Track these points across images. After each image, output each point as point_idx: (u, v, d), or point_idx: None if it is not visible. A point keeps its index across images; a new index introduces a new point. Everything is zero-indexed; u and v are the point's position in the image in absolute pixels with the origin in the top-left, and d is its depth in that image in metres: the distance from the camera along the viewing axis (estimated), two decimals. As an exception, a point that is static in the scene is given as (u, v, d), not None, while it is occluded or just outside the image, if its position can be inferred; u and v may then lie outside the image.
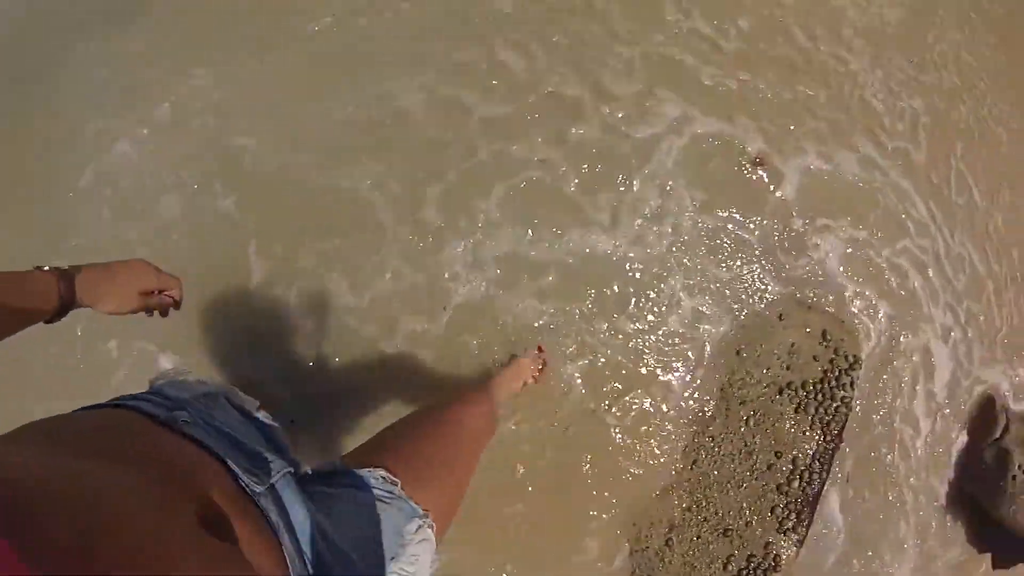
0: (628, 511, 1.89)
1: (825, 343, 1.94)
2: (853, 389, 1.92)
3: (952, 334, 2.08)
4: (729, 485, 1.90)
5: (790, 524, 1.89)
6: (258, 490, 0.66)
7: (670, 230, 1.94)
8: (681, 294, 1.92)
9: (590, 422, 1.87)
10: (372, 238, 1.92)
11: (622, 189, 1.96)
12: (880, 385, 2.00)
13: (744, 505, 1.89)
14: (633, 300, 1.91)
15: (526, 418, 1.87)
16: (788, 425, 1.90)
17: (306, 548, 0.68)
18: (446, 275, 1.89)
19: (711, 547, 1.90)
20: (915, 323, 2.04)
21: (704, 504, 1.90)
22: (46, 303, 0.74)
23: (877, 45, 2.20)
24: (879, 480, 2.02)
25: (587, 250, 1.91)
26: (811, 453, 1.90)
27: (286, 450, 0.81)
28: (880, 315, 2.00)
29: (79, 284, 0.77)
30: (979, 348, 2.11)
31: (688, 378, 1.90)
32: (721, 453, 1.90)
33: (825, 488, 1.93)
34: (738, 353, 1.92)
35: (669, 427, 1.90)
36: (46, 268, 0.76)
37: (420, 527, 0.83)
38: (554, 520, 1.87)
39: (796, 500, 1.89)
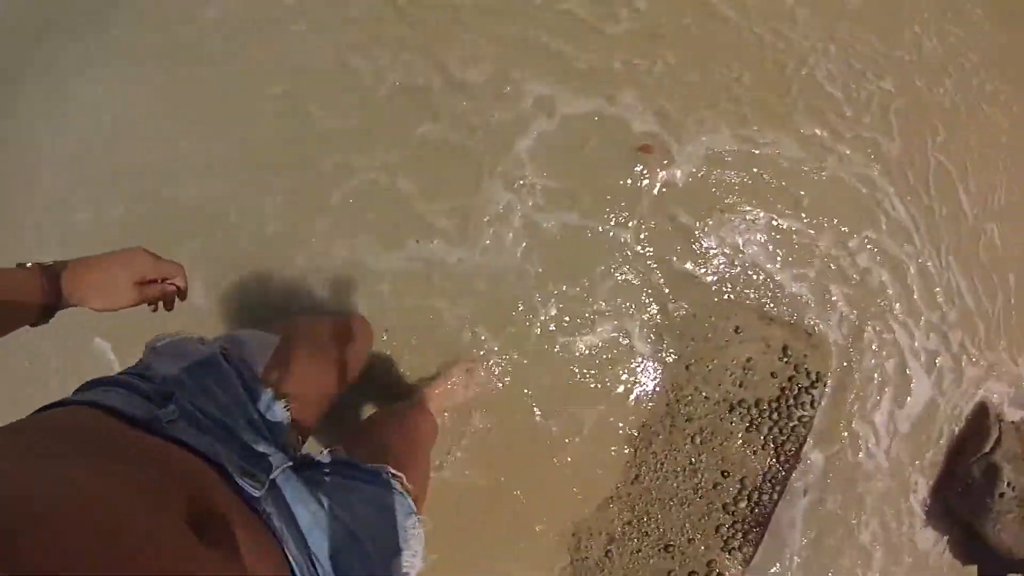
0: (567, 521, 1.86)
1: (785, 359, 1.78)
2: (813, 408, 1.77)
3: (937, 361, 1.87)
4: (672, 502, 1.82)
5: (736, 544, 1.81)
6: (257, 495, 0.63)
7: (531, 233, 1.79)
8: (553, 309, 1.79)
9: (521, 430, 1.81)
10: (224, 246, 1.88)
11: (473, 189, 1.80)
12: (846, 397, 1.84)
13: (687, 523, 1.82)
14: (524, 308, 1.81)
15: (459, 426, 1.83)
16: (738, 444, 1.78)
17: (315, 548, 0.67)
18: (287, 282, 1.84)
19: (652, 561, 1.85)
20: (886, 326, 1.84)
21: (645, 519, 1.84)
22: (28, 303, 0.67)
23: (833, 16, 1.87)
24: (845, 496, 1.89)
25: (425, 259, 1.80)
26: (762, 473, 1.79)
27: (283, 432, 0.78)
28: (842, 320, 1.81)
29: (65, 280, 0.70)
30: (969, 372, 1.89)
31: (630, 392, 1.80)
32: (664, 469, 1.81)
33: (779, 507, 1.82)
34: (687, 368, 1.79)
35: (608, 441, 1.82)
36: (28, 264, 0.69)
37: (415, 523, 0.84)
38: (491, 528, 1.86)
39: (743, 520, 1.80)
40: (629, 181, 1.81)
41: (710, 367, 1.79)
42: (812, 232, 1.82)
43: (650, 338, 1.79)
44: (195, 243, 1.88)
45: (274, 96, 1.91)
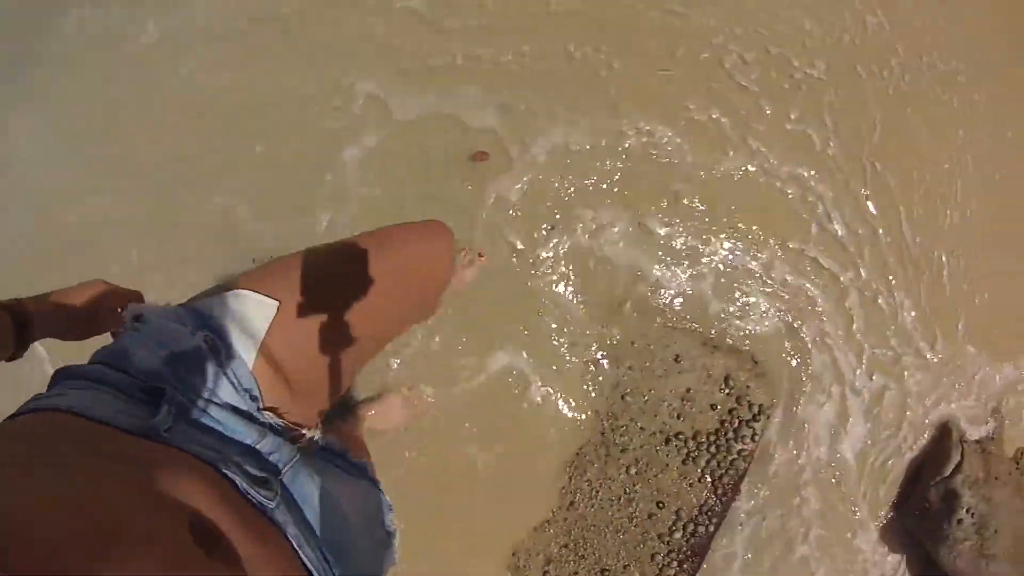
0: (507, 541, 1.85)
1: (727, 390, 1.69)
2: (754, 441, 1.69)
3: (886, 395, 1.76)
4: (607, 529, 1.79)
5: (671, 572, 1.78)
6: (271, 506, 0.59)
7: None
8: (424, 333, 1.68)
9: (456, 454, 1.78)
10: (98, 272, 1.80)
11: (304, 207, 1.68)
12: (790, 422, 1.75)
13: (623, 550, 1.79)
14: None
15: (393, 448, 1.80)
16: (673, 476, 1.72)
17: (324, 542, 0.65)
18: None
19: (588, 584, 1.84)
20: (822, 336, 1.72)
21: (582, 543, 1.82)
22: (3, 339, 0.67)
23: None
24: (788, 522, 1.84)
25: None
26: (698, 506, 1.73)
27: (280, 426, 0.73)
28: (777, 340, 1.70)
29: (35, 314, 0.70)
30: (918, 395, 1.77)
31: (562, 420, 1.74)
32: (599, 497, 1.77)
33: (718, 534, 1.78)
34: (623, 398, 1.72)
35: (541, 468, 1.78)
36: None
37: (393, 519, 0.85)
38: (433, 547, 1.86)
39: (679, 549, 1.77)
40: (468, 187, 1.64)
41: (647, 397, 1.71)
42: (714, 241, 1.68)
43: (583, 366, 1.72)
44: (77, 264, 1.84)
45: (136, 119, 1.81)
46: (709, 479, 1.71)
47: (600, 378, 1.72)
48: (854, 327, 1.67)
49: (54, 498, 0.40)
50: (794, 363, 1.73)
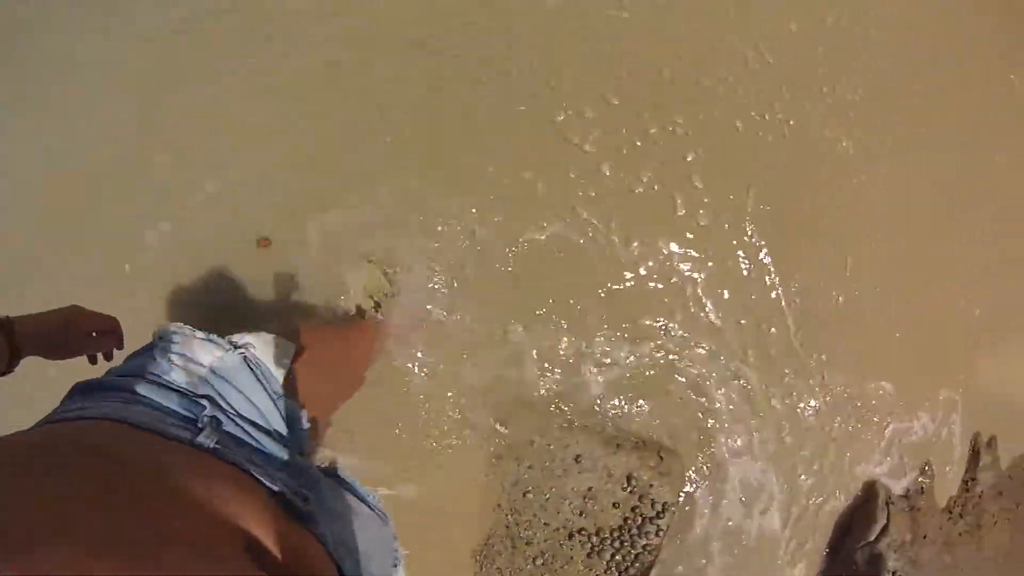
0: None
1: (630, 488, 1.64)
2: (659, 536, 1.66)
3: (773, 507, 1.68)
4: (519, 611, 1.81)
5: (584, 649, 1.81)
6: (318, 523, 0.62)
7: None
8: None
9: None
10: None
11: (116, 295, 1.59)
12: (704, 503, 1.72)
13: (536, 629, 1.82)
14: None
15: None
16: (579, 568, 1.71)
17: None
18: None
19: (505, 657, 1.88)
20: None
21: (497, 622, 1.84)
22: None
23: (560, 32, 1.37)
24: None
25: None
26: (605, 594, 1.73)
27: (307, 443, 0.79)
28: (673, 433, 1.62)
29: (19, 334, 0.74)
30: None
31: (466, 511, 1.72)
32: (510, 584, 1.78)
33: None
34: (525, 495, 1.68)
35: (454, 555, 1.77)
36: None
37: (399, 549, 0.86)
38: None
39: (590, 630, 1.78)
40: (252, 274, 1.53)
41: (547, 495, 1.67)
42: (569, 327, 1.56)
43: (481, 460, 1.67)
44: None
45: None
46: (616, 571, 1.70)
47: (502, 473, 1.68)
48: (748, 399, 1.60)
49: (53, 498, 0.40)
50: (696, 447, 1.66)
